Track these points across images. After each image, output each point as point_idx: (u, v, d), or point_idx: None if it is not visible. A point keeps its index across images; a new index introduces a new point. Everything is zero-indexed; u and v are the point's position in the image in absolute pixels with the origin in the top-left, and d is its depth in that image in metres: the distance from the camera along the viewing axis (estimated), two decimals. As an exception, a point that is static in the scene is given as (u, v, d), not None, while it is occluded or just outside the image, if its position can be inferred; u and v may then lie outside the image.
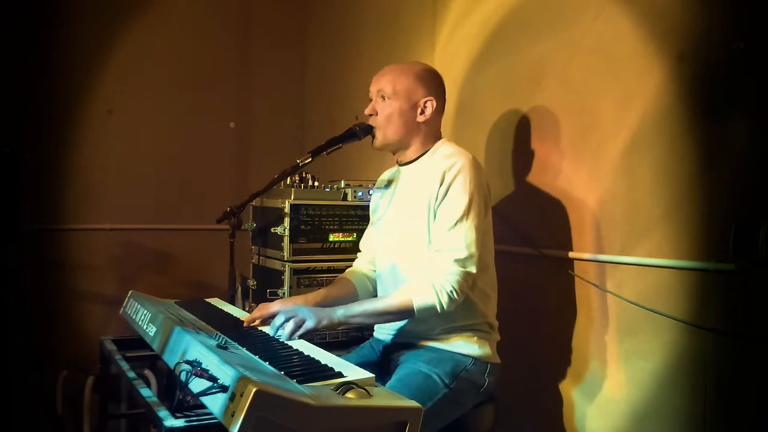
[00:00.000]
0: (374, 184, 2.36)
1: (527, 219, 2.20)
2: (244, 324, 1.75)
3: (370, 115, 1.83)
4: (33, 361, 2.84)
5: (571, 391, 2.04)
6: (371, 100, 1.86)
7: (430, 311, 1.65)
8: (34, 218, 2.88)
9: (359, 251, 2.10)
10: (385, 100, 1.81)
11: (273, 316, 1.74)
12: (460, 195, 1.68)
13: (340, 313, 1.66)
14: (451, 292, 1.63)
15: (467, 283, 1.66)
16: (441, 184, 1.71)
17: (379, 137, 1.83)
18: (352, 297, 1.93)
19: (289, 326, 1.61)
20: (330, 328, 1.65)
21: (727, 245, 1.57)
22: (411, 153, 1.86)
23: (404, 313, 1.69)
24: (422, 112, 1.81)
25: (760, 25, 1.55)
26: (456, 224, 1.67)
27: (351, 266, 2.10)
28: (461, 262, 1.65)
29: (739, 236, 1.55)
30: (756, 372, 1.56)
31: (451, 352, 1.74)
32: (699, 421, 1.68)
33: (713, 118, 1.65)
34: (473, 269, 1.66)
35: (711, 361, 1.65)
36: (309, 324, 1.61)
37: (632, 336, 1.85)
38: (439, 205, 1.72)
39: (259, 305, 1.80)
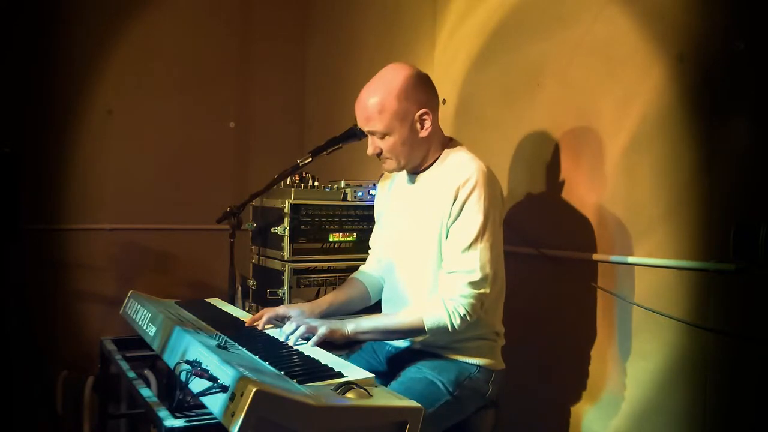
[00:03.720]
0: (377, 184, 2.34)
1: (527, 219, 2.20)
2: (246, 324, 1.74)
3: (377, 153, 1.73)
4: (33, 361, 2.84)
5: (570, 390, 2.04)
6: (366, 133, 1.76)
7: (441, 331, 1.62)
8: (34, 218, 2.88)
9: (369, 249, 2.05)
10: (384, 138, 1.70)
11: (279, 318, 1.73)
12: (475, 214, 1.62)
13: (350, 327, 1.62)
14: (465, 315, 1.59)
15: (481, 304, 1.62)
16: (454, 202, 1.63)
17: (392, 166, 1.75)
18: (363, 299, 1.91)
19: (300, 331, 1.58)
20: (341, 340, 1.63)
21: (727, 245, 1.57)
22: (421, 163, 1.78)
23: (415, 332, 1.66)
24: (422, 127, 1.70)
25: (760, 25, 1.55)
26: (470, 246, 1.61)
27: (352, 265, 2.08)
28: (475, 284, 1.60)
29: (739, 236, 1.55)
30: (756, 372, 1.56)
31: (456, 360, 1.72)
32: (699, 421, 1.68)
33: (713, 118, 1.65)
34: (487, 290, 1.62)
35: (711, 361, 1.65)
36: (322, 330, 1.58)
37: (632, 336, 1.85)
38: (452, 224, 1.65)
39: (263, 309, 1.78)
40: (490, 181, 1.65)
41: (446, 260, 1.66)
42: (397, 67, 1.72)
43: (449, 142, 1.79)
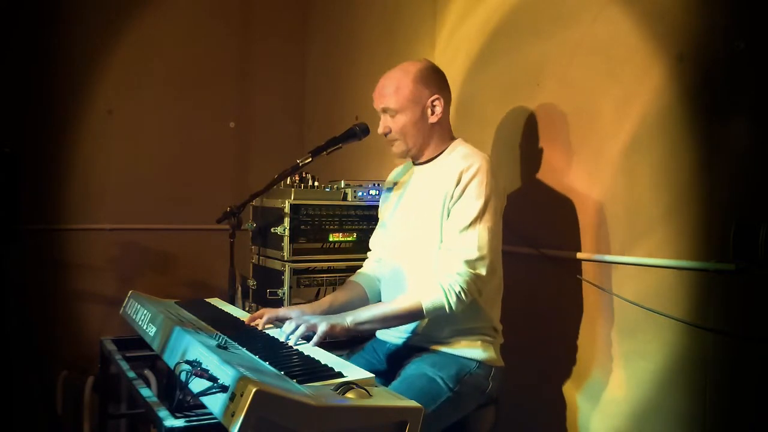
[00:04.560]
0: (378, 184, 2.35)
1: (527, 219, 2.20)
2: (246, 322, 1.74)
3: (386, 132, 1.81)
4: (33, 361, 2.84)
5: (571, 390, 2.04)
6: (379, 116, 1.83)
7: (439, 312, 1.64)
8: (34, 218, 2.89)
9: (368, 250, 2.07)
10: (395, 116, 1.78)
11: (280, 320, 1.73)
12: (477, 196, 1.67)
13: (349, 319, 1.63)
14: (460, 293, 1.62)
15: (476, 285, 1.65)
16: (458, 184, 1.69)
17: (401, 148, 1.82)
18: (362, 301, 1.91)
19: (300, 330, 1.58)
20: (342, 334, 1.64)
21: (727, 245, 1.57)
22: (428, 153, 1.85)
23: (414, 315, 1.67)
24: (433, 113, 1.79)
25: (760, 25, 1.55)
26: (469, 225, 1.66)
27: (352, 265, 2.09)
28: (471, 263, 1.64)
29: (739, 236, 1.55)
30: (756, 372, 1.56)
31: (455, 355, 1.73)
32: (699, 421, 1.68)
33: (713, 118, 1.65)
34: (483, 271, 1.65)
35: (711, 361, 1.65)
36: (322, 328, 1.58)
37: (632, 336, 1.85)
38: (454, 205, 1.70)
39: (263, 309, 1.78)
40: (494, 171, 1.72)
41: (445, 239, 1.71)
42: (414, 60, 1.86)
43: (457, 140, 1.86)
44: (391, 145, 1.83)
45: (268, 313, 1.74)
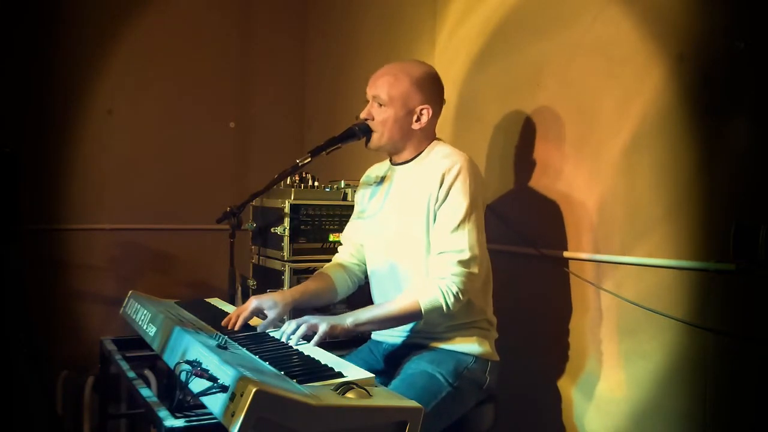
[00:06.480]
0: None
1: (527, 219, 2.20)
2: (229, 326, 1.69)
3: (367, 118, 1.82)
4: (33, 361, 2.84)
5: (571, 390, 2.04)
6: (368, 101, 1.84)
7: (436, 312, 1.66)
8: (34, 218, 2.88)
9: (340, 244, 2.07)
10: (381, 107, 1.79)
11: (255, 314, 1.72)
12: (462, 197, 1.69)
13: (349, 320, 1.64)
14: (457, 293, 1.64)
15: (471, 283, 1.67)
16: (441, 186, 1.70)
17: (374, 140, 1.82)
18: (331, 291, 1.92)
19: (301, 330, 1.58)
20: (342, 335, 1.64)
21: (727, 245, 1.57)
22: (406, 154, 1.85)
23: (412, 316, 1.68)
24: (418, 120, 1.79)
25: (760, 25, 1.55)
26: (458, 226, 1.68)
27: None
28: (465, 263, 1.66)
29: (739, 236, 1.55)
30: (756, 372, 1.56)
31: (452, 351, 1.75)
32: (699, 421, 1.68)
33: (713, 118, 1.65)
34: (476, 270, 1.67)
35: (711, 361, 1.65)
36: (323, 329, 1.58)
37: (632, 336, 1.85)
38: (439, 207, 1.71)
39: (236, 308, 1.75)
40: (474, 168, 1.74)
41: (435, 242, 1.72)
42: (422, 61, 1.88)
43: (435, 140, 1.87)
44: (368, 138, 1.83)
45: (243, 313, 1.71)
